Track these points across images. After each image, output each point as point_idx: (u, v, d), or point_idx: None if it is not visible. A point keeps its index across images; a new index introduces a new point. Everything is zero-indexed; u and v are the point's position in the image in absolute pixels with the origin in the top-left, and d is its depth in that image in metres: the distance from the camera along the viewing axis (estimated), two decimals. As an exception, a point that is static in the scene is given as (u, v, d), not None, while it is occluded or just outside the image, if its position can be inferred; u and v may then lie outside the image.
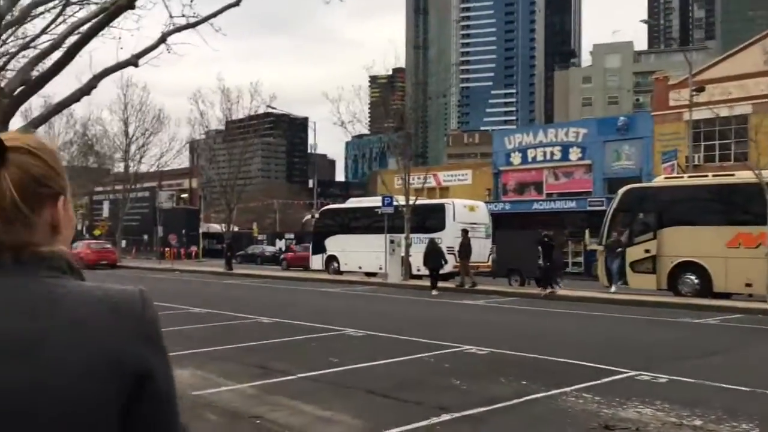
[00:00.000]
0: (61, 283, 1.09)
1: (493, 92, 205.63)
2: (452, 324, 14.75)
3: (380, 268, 26.87)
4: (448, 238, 25.16)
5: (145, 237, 62.45)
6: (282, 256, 43.10)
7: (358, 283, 25.45)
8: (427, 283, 22.79)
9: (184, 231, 59.85)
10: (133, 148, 44.24)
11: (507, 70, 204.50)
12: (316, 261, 30.40)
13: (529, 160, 42.57)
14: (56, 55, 8.87)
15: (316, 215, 32.29)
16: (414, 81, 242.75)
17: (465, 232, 23.20)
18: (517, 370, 9.25)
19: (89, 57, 9.48)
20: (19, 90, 8.35)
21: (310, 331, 12.67)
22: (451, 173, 48.22)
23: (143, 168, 46.27)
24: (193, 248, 59.29)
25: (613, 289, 20.75)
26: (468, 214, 26.11)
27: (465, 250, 22.49)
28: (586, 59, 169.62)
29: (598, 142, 39.71)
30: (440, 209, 26.30)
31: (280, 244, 58.45)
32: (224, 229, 79.06)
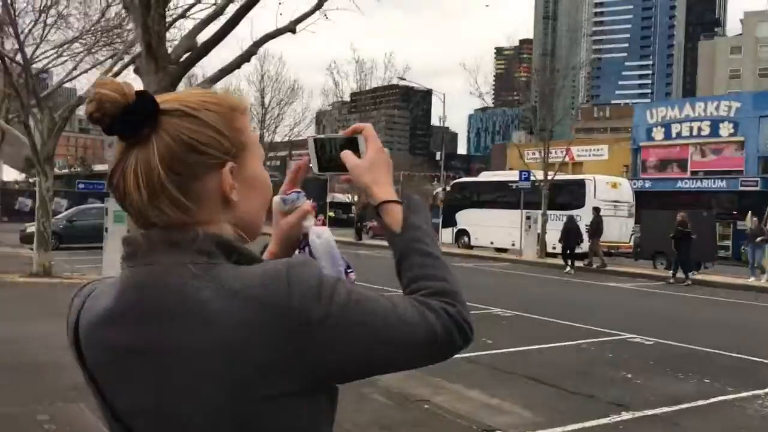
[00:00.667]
0: (202, 271, 0.92)
1: (627, 64, 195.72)
2: (601, 308, 13.89)
3: (512, 244, 26.09)
4: (587, 216, 23.98)
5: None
6: (368, 225, 42.51)
7: (490, 259, 24.81)
8: (563, 261, 21.88)
9: (313, 200, 61.20)
10: (268, 117, 45.48)
11: (643, 41, 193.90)
12: (446, 234, 29.97)
13: (673, 135, 39.91)
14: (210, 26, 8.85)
15: (447, 188, 31.82)
16: (541, 53, 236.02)
17: (597, 210, 22.11)
18: (693, 365, 8.41)
19: (250, 23, 9.37)
20: (185, 56, 8.36)
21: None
22: (585, 148, 46.21)
23: (276, 138, 47.57)
24: (321, 217, 60.62)
25: (751, 279, 19.08)
26: (610, 191, 24.74)
27: (596, 228, 21.48)
28: (731, 29, 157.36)
29: (753, 118, 36.53)
30: (580, 185, 25.08)
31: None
32: (350, 199, 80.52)
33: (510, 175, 28.30)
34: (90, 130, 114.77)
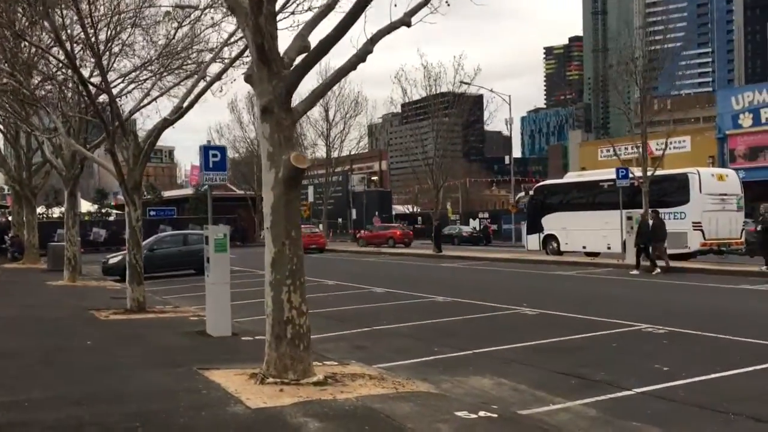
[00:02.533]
0: None
1: (685, 53, 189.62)
2: (757, 315, 12.26)
3: (608, 248, 24.37)
4: (693, 212, 22.16)
5: (340, 220, 64.06)
6: (358, 235, 45.00)
7: (588, 265, 23.16)
8: (671, 264, 20.17)
9: (376, 213, 60.43)
10: (333, 132, 44.84)
11: (700, 28, 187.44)
12: (532, 241, 28.45)
13: (763, 120, 37.38)
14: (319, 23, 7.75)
15: (530, 192, 30.29)
16: (593, 49, 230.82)
17: (656, 212, 20.75)
18: None
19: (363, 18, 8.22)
20: (300, 59, 7.27)
21: (593, 327, 10.86)
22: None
23: (344, 152, 46.89)
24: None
25: None
26: (717, 184, 22.86)
27: (658, 232, 20.24)
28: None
29: None
30: (683, 180, 23.24)
31: (474, 223, 57.10)
32: (410, 210, 79.40)
33: (599, 174, 26.63)
34: (153, 157, 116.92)
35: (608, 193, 24.73)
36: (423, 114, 41.53)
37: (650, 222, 20.34)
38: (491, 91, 42.31)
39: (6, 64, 14.47)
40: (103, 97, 14.94)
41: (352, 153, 56.17)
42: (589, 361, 8.54)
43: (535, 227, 28.20)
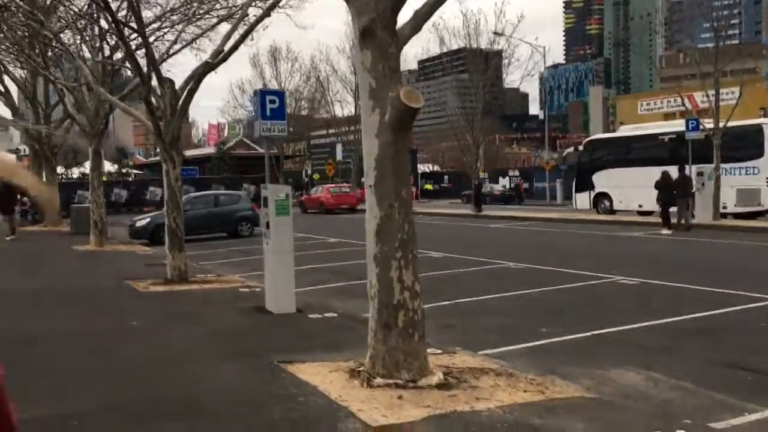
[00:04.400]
0: None
1: (710, 5, 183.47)
2: None
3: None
4: (767, 168, 20.39)
5: (363, 179, 62.48)
6: (300, 199, 39.08)
7: (651, 225, 21.40)
8: (747, 223, 18.59)
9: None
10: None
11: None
12: (582, 199, 26.75)
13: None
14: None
15: (580, 147, 28.45)
16: (613, 2, 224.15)
17: (682, 168, 19.64)
18: None
19: None
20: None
21: (714, 301, 9.30)
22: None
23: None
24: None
25: None
26: (794, 135, 21.02)
27: (683, 188, 19.26)
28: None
29: None
30: (756, 132, 21.36)
31: (503, 181, 55.29)
32: (430, 169, 77.56)
33: (659, 127, 24.77)
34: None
35: (668, 147, 22.93)
36: (440, 70, 39.71)
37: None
38: (527, 42, 39.86)
39: (24, 2, 12.87)
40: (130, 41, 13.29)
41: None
42: (741, 345, 7.01)
43: (585, 185, 26.46)
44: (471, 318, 8.77)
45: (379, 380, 5.22)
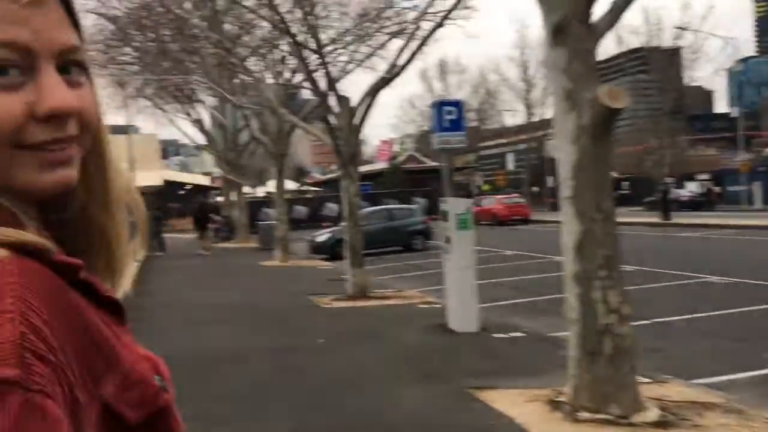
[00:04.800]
0: None
1: None
2: None
3: None
4: None
5: (535, 189, 60.76)
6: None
7: None
8: None
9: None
10: (534, 93, 41.80)
11: None
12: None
13: None
14: None
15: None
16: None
17: None
18: None
19: None
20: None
21: None
22: None
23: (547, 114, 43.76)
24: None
25: None
26: None
27: None
28: None
29: None
30: None
31: (691, 186, 51.26)
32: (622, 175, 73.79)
33: None
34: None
35: None
36: (616, 72, 37.58)
37: None
38: (715, 35, 36.67)
39: (213, 31, 13.72)
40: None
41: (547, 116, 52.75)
42: None
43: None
44: (678, 340, 7.87)
45: (585, 414, 4.68)
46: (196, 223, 26.26)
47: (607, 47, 34.49)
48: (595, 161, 4.82)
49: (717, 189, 46.53)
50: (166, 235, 27.84)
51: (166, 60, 18.25)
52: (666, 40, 34.33)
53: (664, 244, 20.16)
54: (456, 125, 8.63)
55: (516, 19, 43.80)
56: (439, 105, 8.71)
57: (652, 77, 39.61)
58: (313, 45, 11.92)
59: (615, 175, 67.08)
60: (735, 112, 49.46)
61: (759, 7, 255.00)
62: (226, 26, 15.76)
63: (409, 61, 11.74)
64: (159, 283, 15.28)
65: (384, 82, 11.31)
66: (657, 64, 34.10)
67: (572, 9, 4.82)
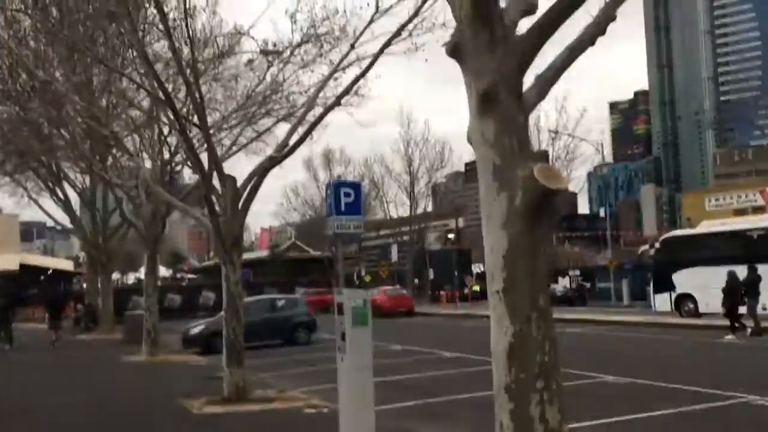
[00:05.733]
0: None
1: (761, 103, 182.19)
2: None
3: (764, 308, 20.49)
4: None
5: (416, 281, 60.91)
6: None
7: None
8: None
9: (455, 272, 57.13)
10: (420, 184, 42.28)
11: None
12: (662, 301, 24.73)
13: None
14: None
15: (656, 245, 26.62)
16: (660, 102, 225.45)
17: (753, 268, 18.59)
18: None
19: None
20: (528, 31, 4.58)
21: None
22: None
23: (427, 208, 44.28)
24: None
25: None
26: None
27: (752, 288, 18.22)
28: None
29: None
30: None
31: (563, 281, 53.11)
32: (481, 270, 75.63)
33: (750, 222, 22.98)
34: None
35: (760, 243, 21.11)
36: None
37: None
38: (585, 140, 39.08)
39: (80, 98, 12.46)
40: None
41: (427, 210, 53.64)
42: None
43: (664, 285, 24.49)
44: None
45: None
46: (49, 311, 24.23)
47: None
48: (530, 249, 4.12)
49: (587, 285, 48.34)
50: (17, 326, 25.01)
51: (28, 129, 16.60)
52: (542, 142, 36.01)
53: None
54: (353, 208, 7.87)
55: (400, 115, 45.24)
56: (337, 186, 7.98)
57: None
58: (196, 121, 10.99)
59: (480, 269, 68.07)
60: (602, 213, 52.35)
61: (614, 119, 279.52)
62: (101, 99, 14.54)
63: (300, 142, 11.05)
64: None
65: (273, 161, 10.50)
66: None
67: (501, 75, 4.23)
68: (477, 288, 57.30)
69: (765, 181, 49.06)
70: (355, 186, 7.81)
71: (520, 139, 4.28)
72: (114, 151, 20.33)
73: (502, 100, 4.25)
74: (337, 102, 11.53)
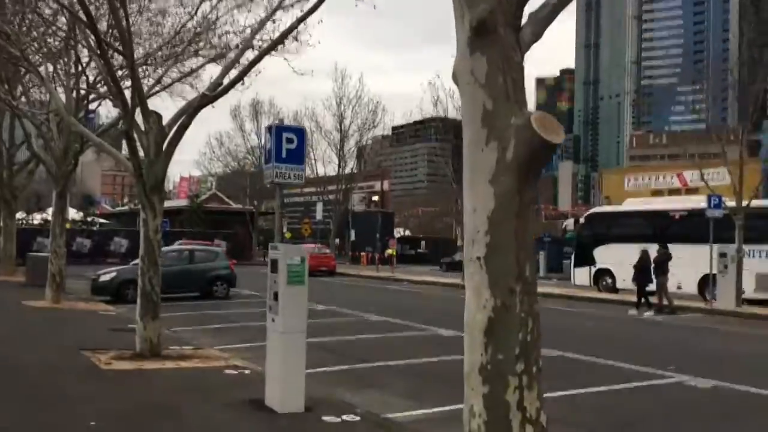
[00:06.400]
0: None
1: (679, 89, 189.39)
2: None
3: (678, 288, 21.05)
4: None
5: (337, 241, 60.38)
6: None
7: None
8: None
9: (377, 235, 56.95)
10: (350, 143, 41.39)
11: (697, 65, 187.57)
12: (581, 275, 25.11)
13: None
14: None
15: (581, 220, 26.94)
16: (584, 81, 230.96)
17: (664, 247, 19.24)
18: None
19: None
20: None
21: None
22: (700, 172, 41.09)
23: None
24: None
25: None
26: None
27: (661, 267, 18.72)
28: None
29: None
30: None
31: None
32: (402, 233, 75.89)
33: (671, 202, 23.49)
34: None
35: (680, 224, 21.60)
36: (414, 137, 39.04)
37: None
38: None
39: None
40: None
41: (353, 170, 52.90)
42: None
43: (584, 260, 24.86)
44: None
45: None
46: None
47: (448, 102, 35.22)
48: (520, 209, 3.54)
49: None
50: None
51: None
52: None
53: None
54: (295, 156, 7.11)
55: (334, 71, 44.19)
56: (278, 130, 7.12)
57: (443, 145, 41.35)
58: (119, 47, 9.85)
59: (408, 233, 68.10)
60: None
61: (539, 95, 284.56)
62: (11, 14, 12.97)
63: (235, 82, 10.11)
64: None
65: (205, 99, 9.54)
66: (447, 134, 35.38)
67: (499, 3, 3.59)
68: (392, 252, 57.14)
69: (677, 164, 50.82)
70: (299, 131, 7.02)
71: (516, 82, 3.67)
72: (24, 78, 18.66)
73: (499, 33, 3.61)
74: (280, 40, 10.60)
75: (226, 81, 10.23)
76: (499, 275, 3.51)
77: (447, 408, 7.62)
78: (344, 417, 6.64)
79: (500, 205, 3.53)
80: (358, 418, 6.64)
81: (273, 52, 11.68)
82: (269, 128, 7.31)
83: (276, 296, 6.86)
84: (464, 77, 3.73)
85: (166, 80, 17.05)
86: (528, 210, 3.62)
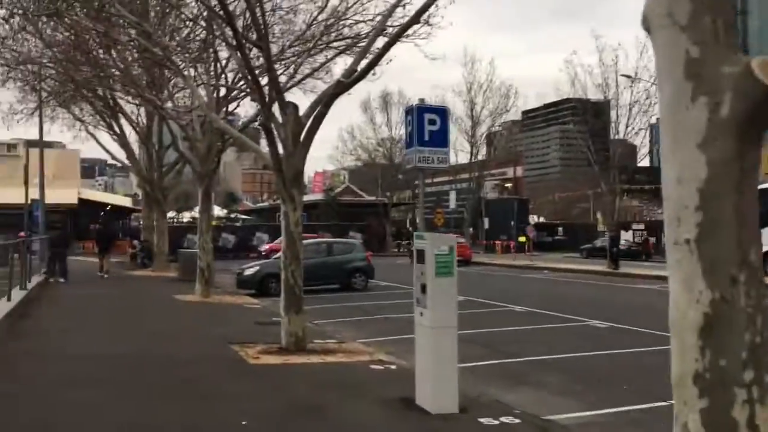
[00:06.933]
0: None
1: None
2: None
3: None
4: None
5: (471, 230, 59.52)
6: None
7: None
8: None
9: (512, 222, 55.58)
10: (481, 129, 40.54)
11: None
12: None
13: None
14: None
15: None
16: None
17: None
18: None
19: None
20: None
21: None
22: None
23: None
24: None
25: None
26: None
27: None
28: None
29: None
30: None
31: (626, 235, 51.01)
32: (536, 220, 73.63)
33: None
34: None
35: None
36: (544, 121, 37.27)
37: None
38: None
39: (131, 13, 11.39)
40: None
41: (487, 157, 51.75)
42: None
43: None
44: None
45: None
46: (98, 244, 24.13)
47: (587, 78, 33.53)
48: (741, 179, 2.83)
49: (652, 239, 46.35)
50: (73, 258, 24.88)
51: (80, 54, 15.70)
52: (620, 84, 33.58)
53: (636, 299, 18.52)
54: (439, 139, 6.61)
55: (463, 56, 43.47)
56: (419, 111, 6.64)
57: (579, 128, 39.34)
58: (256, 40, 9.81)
59: (543, 220, 65.64)
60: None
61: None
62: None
63: (369, 68, 9.78)
64: (40, 320, 12.54)
65: (340, 87, 9.28)
66: (585, 115, 33.41)
67: (705, -73, 2.87)
68: (526, 239, 55.51)
69: None
70: (442, 111, 6.44)
71: (726, 23, 2.95)
72: (170, 83, 19.49)
73: (705, -38, 2.91)
74: (415, 20, 10.19)
75: (359, 69, 9.97)
76: (716, 261, 2.82)
77: (614, 410, 6.92)
78: (502, 419, 6.10)
79: (715, 174, 2.83)
80: (518, 420, 6.08)
81: (404, 38, 11.34)
82: (409, 110, 6.86)
83: (424, 288, 6.41)
84: (659, 20, 3.04)
85: (298, 76, 17.23)
86: (750, 178, 2.89)
